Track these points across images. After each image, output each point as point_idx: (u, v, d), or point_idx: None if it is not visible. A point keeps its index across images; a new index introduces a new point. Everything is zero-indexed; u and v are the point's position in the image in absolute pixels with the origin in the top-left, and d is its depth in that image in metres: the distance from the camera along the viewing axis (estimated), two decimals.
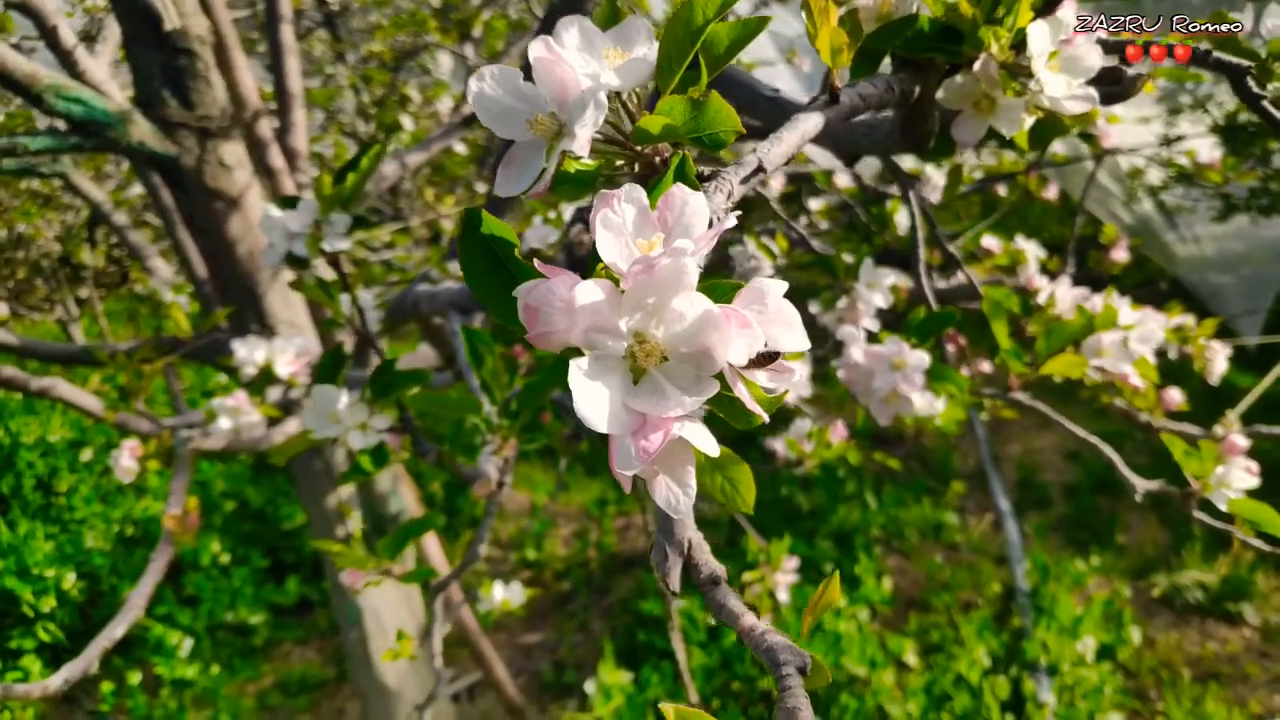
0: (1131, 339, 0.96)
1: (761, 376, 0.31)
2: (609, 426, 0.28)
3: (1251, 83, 0.56)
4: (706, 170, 0.39)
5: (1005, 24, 0.49)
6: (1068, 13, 0.49)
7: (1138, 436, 4.37)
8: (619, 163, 0.40)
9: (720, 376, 0.30)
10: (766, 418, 0.31)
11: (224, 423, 1.37)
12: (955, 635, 3.15)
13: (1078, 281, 1.77)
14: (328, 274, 1.44)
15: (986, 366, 1.54)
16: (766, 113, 0.73)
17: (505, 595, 1.64)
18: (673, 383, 0.29)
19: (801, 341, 0.32)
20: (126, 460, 1.40)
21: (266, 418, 1.43)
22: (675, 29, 0.37)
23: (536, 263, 0.31)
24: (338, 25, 4.15)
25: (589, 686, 2.99)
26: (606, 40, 0.39)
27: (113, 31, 2.31)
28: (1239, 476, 0.82)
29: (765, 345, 0.30)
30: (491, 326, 1.40)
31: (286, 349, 1.45)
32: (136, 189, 3.73)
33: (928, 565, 3.68)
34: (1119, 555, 3.70)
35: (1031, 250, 1.88)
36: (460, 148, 4.20)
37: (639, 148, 0.39)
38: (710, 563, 0.35)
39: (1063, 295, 1.04)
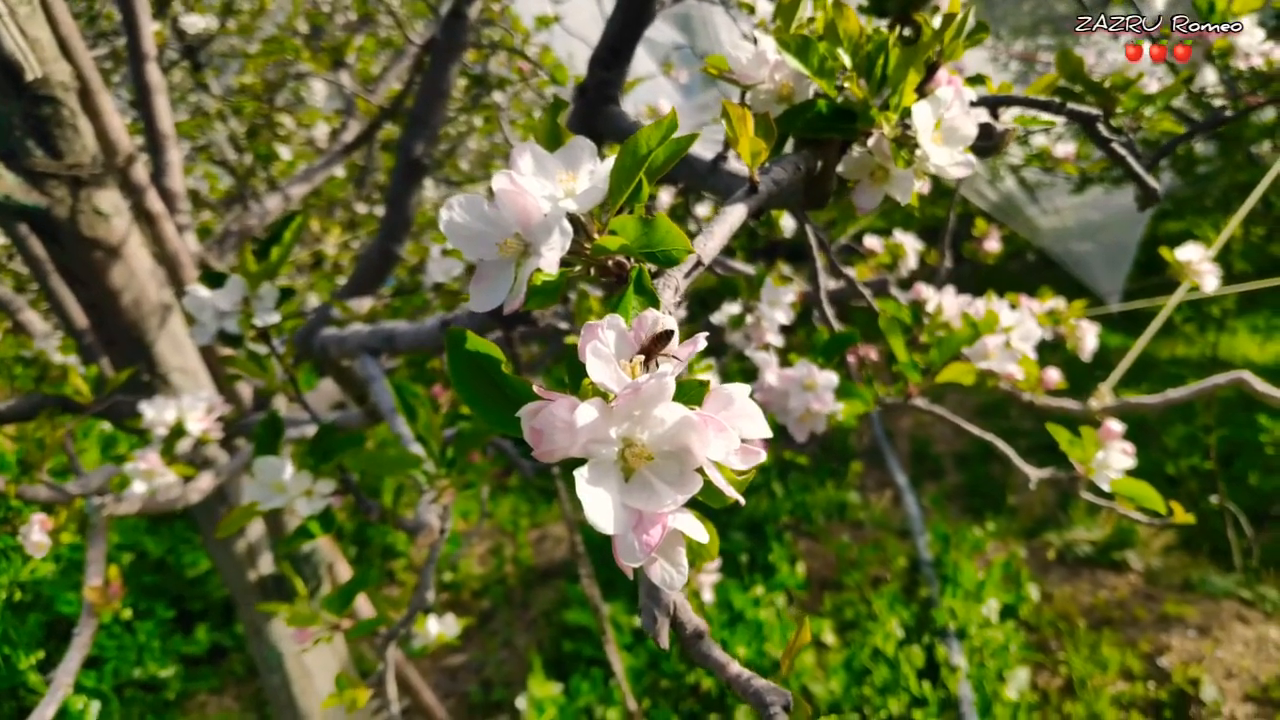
0: (1013, 339, 1.06)
1: (734, 460, 0.36)
2: (614, 528, 0.33)
3: (1101, 128, 0.64)
4: (653, 268, 0.44)
5: (892, 104, 0.55)
6: (946, 91, 0.56)
7: (1026, 424, 4.64)
8: (576, 268, 0.44)
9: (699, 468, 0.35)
10: (742, 500, 0.36)
11: (139, 487, 1.34)
12: (868, 611, 3.30)
13: (955, 273, 1.89)
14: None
15: (874, 355, 1.64)
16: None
17: (440, 629, 1.65)
18: (660, 479, 0.34)
19: (763, 430, 0.37)
20: (37, 535, 1.35)
21: (182, 477, 1.41)
22: (624, 158, 0.41)
23: (536, 387, 0.35)
24: (198, 53, 4.02)
25: (520, 702, 3.01)
26: (556, 162, 0.44)
27: None
28: (1118, 459, 0.92)
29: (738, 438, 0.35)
30: (411, 372, 1.41)
31: (196, 406, 1.43)
32: None
33: (836, 546, 3.83)
34: (1012, 518, 3.93)
35: (909, 243, 2.00)
36: (338, 170, 4.13)
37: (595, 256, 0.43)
38: (693, 619, 0.40)
39: (949, 304, 1.13)
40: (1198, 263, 1.47)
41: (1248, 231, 5.19)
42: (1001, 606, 3.22)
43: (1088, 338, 1.60)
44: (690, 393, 0.36)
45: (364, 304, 1.75)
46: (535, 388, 0.35)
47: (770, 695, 0.36)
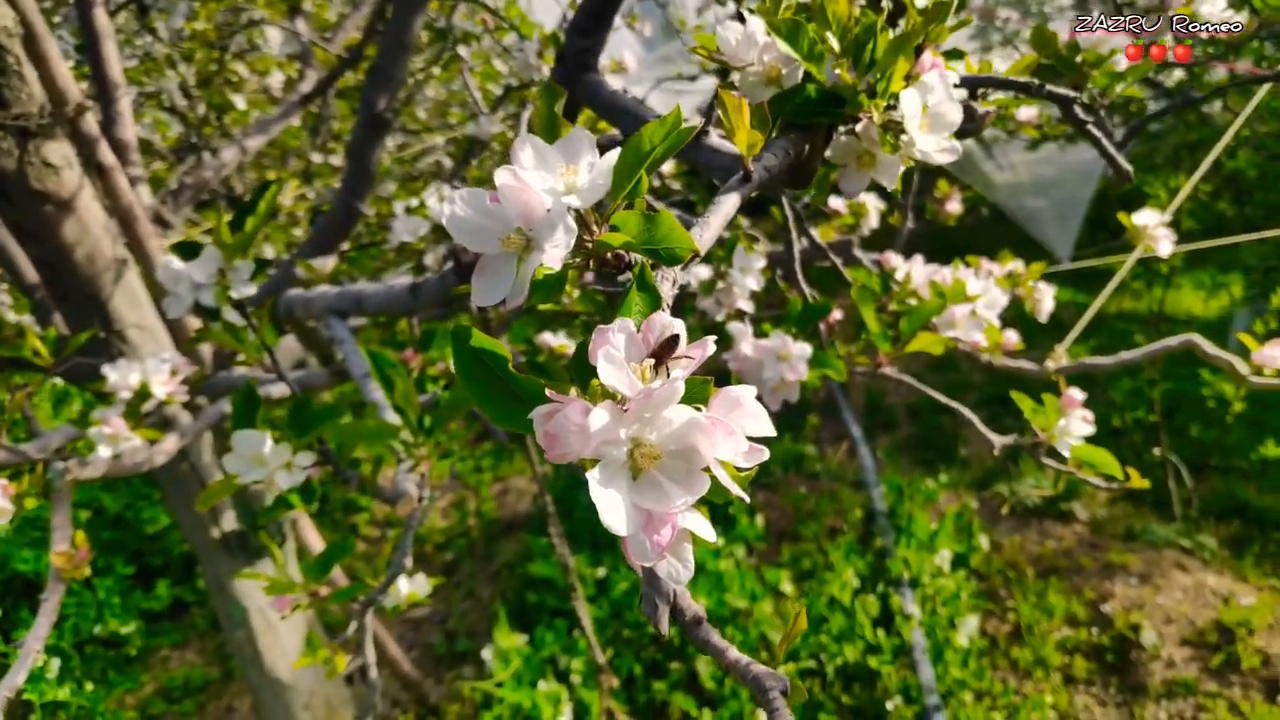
0: (979, 308, 1.08)
1: (738, 459, 0.37)
2: (627, 529, 0.34)
3: (1078, 109, 0.65)
4: (650, 261, 0.44)
5: (880, 90, 0.56)
6: (932, 76, 0.57)
7: (977, 378, 4.72)
8: (575, 260, 0.45)
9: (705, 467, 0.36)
10: (746, 497, 0.37)
11: (104, 451, 1.33)
12: (825, 561, 3.38)
13: (912, 231, 1.91)
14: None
15: (838, 315, 1.66)
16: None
17: (411, 588, 1.66)
18: (669, 478, 0.35)
19: (768, 429, 0.38)
20: (0, 501, 1.33)
21: (147, 440, 1.39)
22: (628, 155, 0.42)
23: (548, 391, 0.36)
24: None
25: (486, 654, 3.04)
26: (556, 154, 0.44)
27: None
28: (1078, 426, 0.95)
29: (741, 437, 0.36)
30: (381, 334, 1.40)
31: (160, 369, 1.41)
32: None
33: (793, 497, 3.89)
34: (963, 469, 4.03)
35: (871, 202, 2.02)
36: (294, 120, 4.03)
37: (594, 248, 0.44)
38: (692, 606, 0.41)
39: (917, 273, 1.15)
40: (1153, 227, 1.50)
41: (1196, 189, 5.29)
42: (953, 556, 3.31)
43: (1045, 300, 1.64)
44: (695, 390, 0.37)
45: (328, 263, 1.73)
46: (548, 392, 0.36)
47: (769, 680, 0.37)
